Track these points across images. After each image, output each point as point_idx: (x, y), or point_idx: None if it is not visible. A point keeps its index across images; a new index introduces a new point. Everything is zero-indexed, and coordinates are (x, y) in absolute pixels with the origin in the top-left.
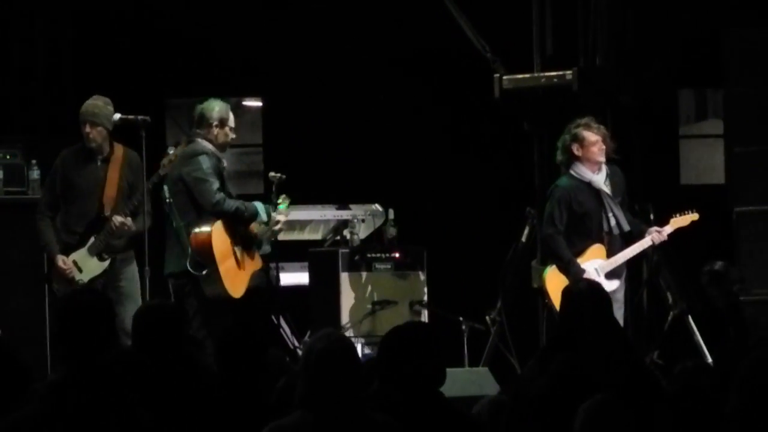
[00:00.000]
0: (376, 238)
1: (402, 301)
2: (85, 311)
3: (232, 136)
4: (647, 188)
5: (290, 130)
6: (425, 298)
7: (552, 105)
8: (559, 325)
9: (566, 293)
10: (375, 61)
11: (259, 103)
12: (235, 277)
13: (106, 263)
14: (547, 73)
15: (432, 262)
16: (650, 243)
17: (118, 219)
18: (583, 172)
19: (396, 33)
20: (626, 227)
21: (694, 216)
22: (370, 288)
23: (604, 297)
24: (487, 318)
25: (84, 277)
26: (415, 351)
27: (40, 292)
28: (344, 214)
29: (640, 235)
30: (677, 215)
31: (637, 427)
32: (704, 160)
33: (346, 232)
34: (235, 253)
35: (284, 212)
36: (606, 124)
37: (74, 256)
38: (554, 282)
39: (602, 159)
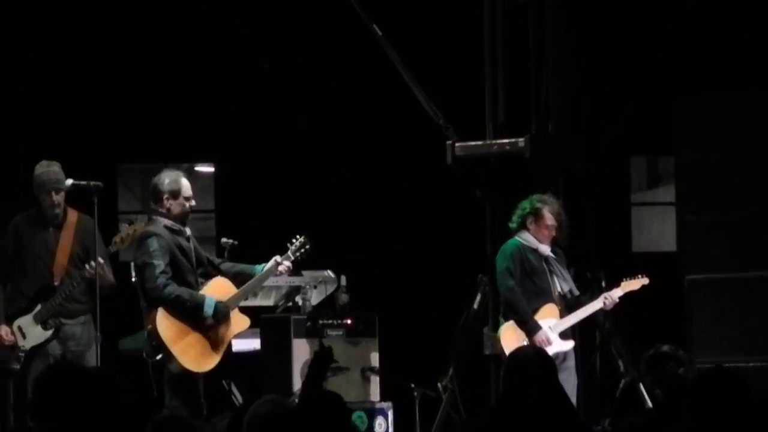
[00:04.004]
0: (328, 305)
1: (354, 367)
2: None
3: (189, 204)
4: (599, 255)
5: (242, 195)
6: (377, 364)
7: (504, 172)
8: (504, 388)
9: (513, 357)
10: (327, 126)
11: (211, 169)
12: (199, 352)
13: (50, 332)
14: (499, 141)
15: (384, 329)
16: (602, 305)
17: (93, 266)
18: (531, 240)
19: (348, 99)
20: (576, 291)
21: (645, 280)
22: None
23: (550, 363)
24: (439, 385)
25: (26, 344)
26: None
27: None
28: (296, 281)
29: (589, 300)
30: (628, 279)
31: None
32: (656, 228)
33: (298, 299)
34: (196, 328)
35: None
36: (558, 190)
37: (19, 321)
38: (510, 337)
39: (548, 241)
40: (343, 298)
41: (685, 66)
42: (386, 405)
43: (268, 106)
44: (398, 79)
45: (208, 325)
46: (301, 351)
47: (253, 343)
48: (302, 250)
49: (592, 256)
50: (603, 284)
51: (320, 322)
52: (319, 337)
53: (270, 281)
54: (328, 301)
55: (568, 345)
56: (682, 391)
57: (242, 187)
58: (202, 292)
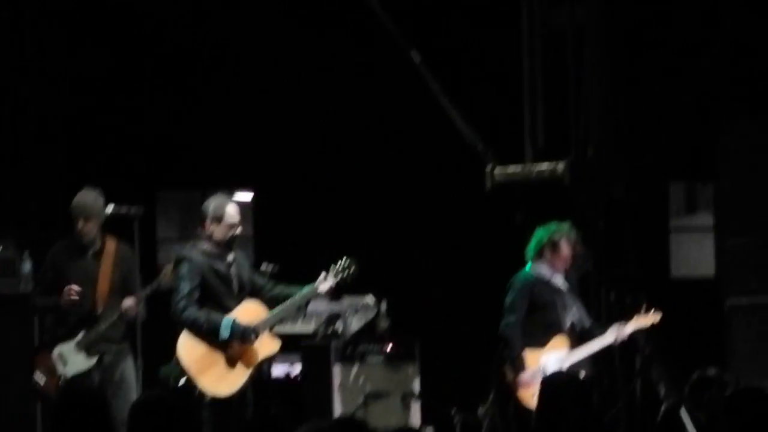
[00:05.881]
0: (369, 330)
1: (394, 393)
2: (78, 406)
3: (233, 232)
4: (639, 280)
5: (281, 221)
6: (418, 389)
7: (543, 197)
8: (538, 415)
9: (547, 383)
10: (367, 152)
11: (250, 195)
12: (218, 375)
13: (94, 360)
14: (538, 165)
15: (424, 354)
16: (612, 339)
17: (128, 302)
18: (544, 271)
19: (388, 124)
20: (587, 324)
21: (657, 317)
22: (362, 380)
23: (586, 388)
24: (480, 409)
25: (68, 371)
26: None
27: (29, 384)
28: (336, 307)
29: (601, 333)
30: (640, 314)
31: None
32: (694, 253)
33: (338, 324)
34: (218, 351)
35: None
36: (597, 216)
37: (61, 348)
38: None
39: (562, 272)
40: (384, 323)
41: (723, 91)
42: (428, 430)
43: (306, 131)
44: (437, 104)
45: (232, 347)
46: (342, 377)
47: (294, 370)
48: (348, 272)
49: (632, 281)
50: (643, 309)
51: (360, 347)
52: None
53: (310, 307)
54: (369, 327)
55: (582, 375)
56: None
57: (281, 213)
58: (231, 314)
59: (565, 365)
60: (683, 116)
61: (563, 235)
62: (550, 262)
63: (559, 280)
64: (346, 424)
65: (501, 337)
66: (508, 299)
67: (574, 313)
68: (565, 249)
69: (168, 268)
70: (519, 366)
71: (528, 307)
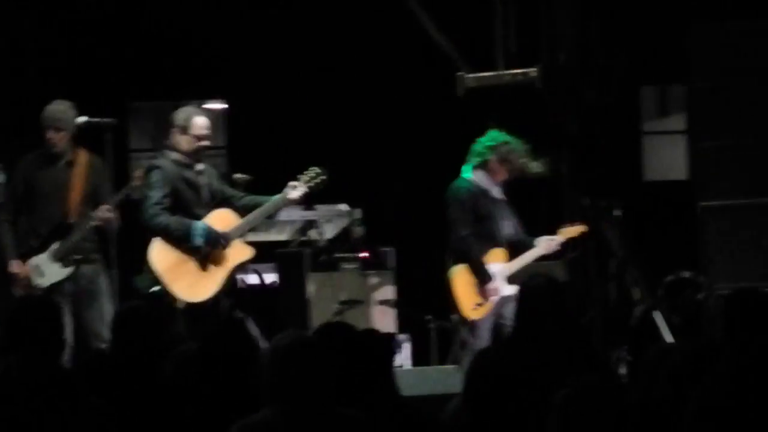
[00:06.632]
0: (343, 238)
1: (369, 300)
2: (31, 316)
3: (200, 143)
4: (611, 185)
5: (254, 131)
6: (393, 297)
7: (516, 103)
8: (516, 318)
9: (525, 288)
10: (339, 60)
11: (224, 105)
12: (192, 281)
13: (69, 269)
14: (510, 71)
15: (399, 261)
16: (543, 251)
17: (103, 210)
18: (483, 181)
19: (359, 31)
20: (521, 236)
21: (583, 228)
22: (337, 288)
23: (562, 292)
24: (453, 317)
25: (44, 282)
26: None
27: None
28: (310, 215)
29: (531, 244)
30: (567, 226)
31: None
32: (667, 156)
33: (312, 232)
34: (191, 257)
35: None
36: (570, 121)
37: (36, 260)
38: (462, 281)
39: (501, 184)
40: (358, 231)
41: None
42: (403, 337)
43: (279, 41)
44: (409, 11)
45: (203, 254)
46: (316, 285)
47: (269, 279)
48: (317, 180)
49: (604, 186)
50: (616, 213)
51: (335, 255)
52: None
53: (283, 215)
54: (343, 235)
55: (513, 289)
56: (701, 316)
57: (254, 123)
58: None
59: (503, 276)
60: (654, 18)
61: (509, 147)
62: (491, 173)
63: (496, 191)
64: (334, 327)
65: (456, 249)
66: (454, 212)
67: (510, 225)
68: (515, 163)
69: (138, 173)
70: (485, 275)
71: (472, 219)
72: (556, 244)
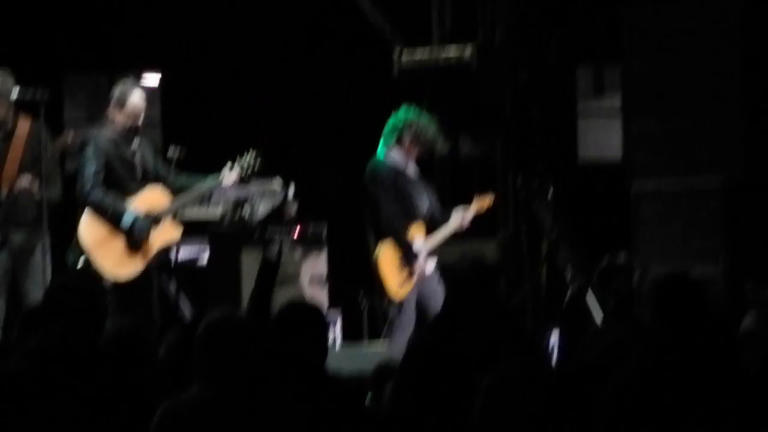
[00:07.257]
0: (276, 215)
1: (302, 277)
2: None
3: (137, 121)
4: (546, 164)
5: (189, 104)
6: (325, 273)
7: (450, 83)
8: (444, 301)
9: (450, 271)
10: (274, 35)
11: (158, 77)
12: (119, 259)
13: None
14: (446, 49)
15: (332, 238)
16: (457, 224)
17: (22, 182)
18: (400, 160)
19: (295, 6)
20: (437, 211)
21: (490, 198)
22: None
23: (488, 274)
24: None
25: None
26: None
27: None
28: (243, 192)
29: (446, 219)
30: (478, 196)
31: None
32: (601, 136)
33: (245, 209)
34: (122, 235)
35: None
36: (504, 100)
37: None
38: (387, 261)
39: (414, 160)
40: (291, 207)
41: None
42: (334, 313)
43: (214, 13)
44: None
45: (133, 233)
46: (249, 262)
47: (201, 255)
48: (253, 165)
49: (539, 166)
50: (550, 193)
51: (268, 232)
52: (264, 246)
53: (217, 192)
54: (276, 211)
55: (433, 263)
56: (634, 300)
57: (188, 96)
58: (133, 200)
59: (426, 253)
60: None
61: (422, 124)
62: (406, 150)
63: (412, 168)
64: (297, 307)
65: (381, 229)
66: (376, 191)
67: (426, 200)
68: (421, 138)
69: (70, 134)
70: (410, 252)
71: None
72: (470, 216)
